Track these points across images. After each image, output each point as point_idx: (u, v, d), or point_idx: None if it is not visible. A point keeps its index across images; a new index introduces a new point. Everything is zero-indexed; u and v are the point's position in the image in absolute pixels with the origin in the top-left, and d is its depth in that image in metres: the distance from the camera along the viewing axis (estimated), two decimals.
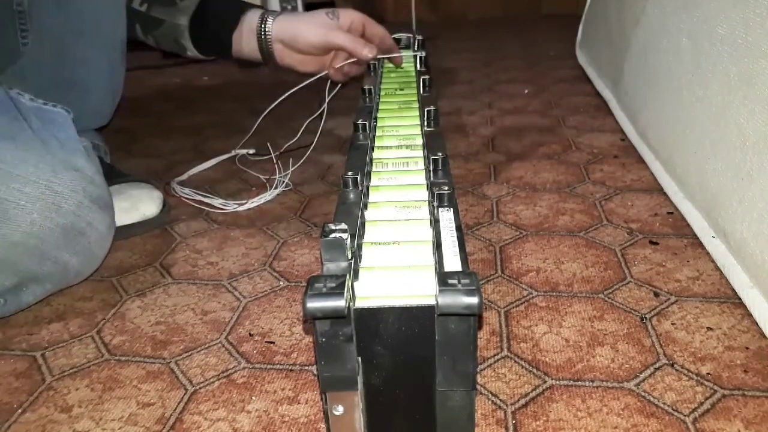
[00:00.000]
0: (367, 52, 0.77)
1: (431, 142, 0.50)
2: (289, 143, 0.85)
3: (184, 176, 0.86)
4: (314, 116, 0.85)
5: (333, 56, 0.82)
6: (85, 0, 0.71)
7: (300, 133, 0.84)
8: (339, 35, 0.77)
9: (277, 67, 0.84)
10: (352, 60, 0.80)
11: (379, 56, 0.79)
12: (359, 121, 0.53)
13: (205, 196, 0.78)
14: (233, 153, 0.92)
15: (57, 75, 0.69)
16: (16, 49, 0.68)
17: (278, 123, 0.86)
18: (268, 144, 0.85)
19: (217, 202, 0.77)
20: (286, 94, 0.82)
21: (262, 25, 0.80)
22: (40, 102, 0.60)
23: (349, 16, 0.79)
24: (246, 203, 0.77)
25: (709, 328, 0.51)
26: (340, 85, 0.85)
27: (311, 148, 0.86)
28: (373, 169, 0.47)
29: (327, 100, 0.83)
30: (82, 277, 0.60)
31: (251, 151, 0.85)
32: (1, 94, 0.57)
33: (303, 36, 0.78)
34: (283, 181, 0.81)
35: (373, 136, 0.53)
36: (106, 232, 0.59)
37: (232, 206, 0.76)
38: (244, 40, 0.81)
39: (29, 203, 0.51)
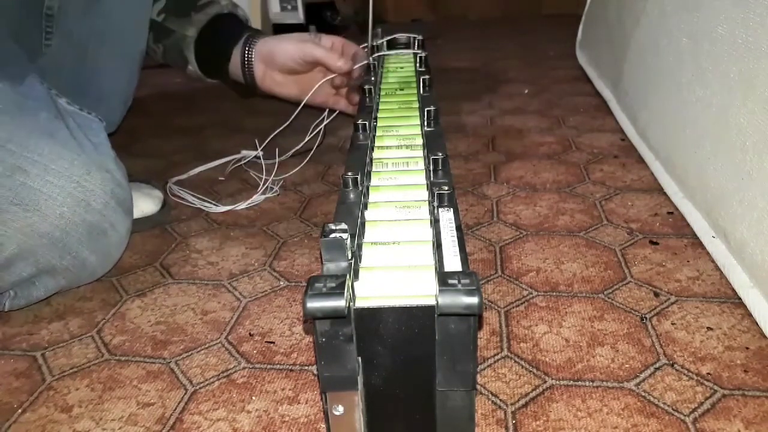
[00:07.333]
0: (342, 64, 0.80)
1: (431, 142, 0.50)
2: (296, 147, 0.86)
3: (184, 176, 0.86)
4: (317, 121, 0.85)
5: (315, 79, 0.83)
6: (113, 10, 0.71)
7: (303, 136, 0.85)
8: (316, 48, 0.80)
9: (259, 92, 0.85)
10: (330, 76, 0.82)
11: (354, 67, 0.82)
12: (359, 121, 0.53)
13: (200, 198, 0.78)
14: (241, 155, 0.92)
15: (75, 79, 0.70)
16: (38, 49, 0.68)
17: (280, 124, 0.87)
18: (277, 149, 0.86)
19: (209, 204, 0.77)
20: (287, 121, 0.84)
21: (247, 45, 0.82)
22: (76, 107, 0.62)
23: (330, 38, 0.84)
24: (237, 206, 0.77)
25: (709, 328, 0.51)
26: (336, 112, 0.88)
27: (312, 151, 0.86)
28: (373, 169, 0.47)
29: (326, 121, 0.85)
30: (95, 277, 0.60)
31: (259, 154, 0.86)
32: (44, 93, 0.59)
33: (282, 49, 0.80)
34: (272, 188, 0.81)
35: (373, 136, 0.53)
36: (124, 235, 0.60)
37: (221, 208, 0.76)
38: (234, 62, 0.82)
39: (61, 196, 0.53)
